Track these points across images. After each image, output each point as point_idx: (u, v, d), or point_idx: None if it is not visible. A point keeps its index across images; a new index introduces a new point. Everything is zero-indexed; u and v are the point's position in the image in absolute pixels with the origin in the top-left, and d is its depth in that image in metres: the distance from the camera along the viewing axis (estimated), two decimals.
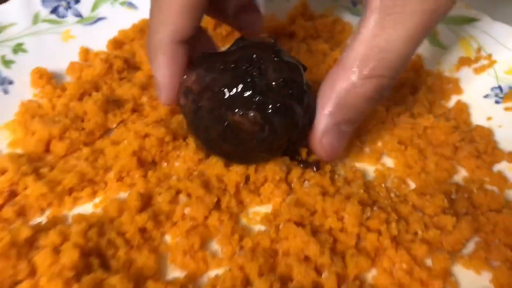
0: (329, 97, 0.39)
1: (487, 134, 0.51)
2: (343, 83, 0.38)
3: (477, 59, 0.57)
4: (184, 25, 0.41)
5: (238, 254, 0.40)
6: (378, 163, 0.49)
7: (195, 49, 0.43)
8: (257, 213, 0.44)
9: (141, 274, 0.38)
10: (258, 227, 0.43)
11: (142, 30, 0.60)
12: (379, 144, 0.50)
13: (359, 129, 0.50)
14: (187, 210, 0.42)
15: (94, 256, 0.38)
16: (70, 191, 0.44)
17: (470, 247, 0.43)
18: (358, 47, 0.37)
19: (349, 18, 0.64)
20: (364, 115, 0.41)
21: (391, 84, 0.39)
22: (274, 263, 0.40)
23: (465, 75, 0.57)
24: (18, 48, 0.56)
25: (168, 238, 0.42)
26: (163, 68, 0.42)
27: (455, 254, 0.43)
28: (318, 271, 0.39)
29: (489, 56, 0.57)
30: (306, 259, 0.40)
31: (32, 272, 0.37)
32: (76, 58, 0.58)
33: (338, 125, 0.40)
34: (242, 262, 0.38)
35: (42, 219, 0.43)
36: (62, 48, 0.58)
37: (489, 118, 0.54)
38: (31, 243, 0.39)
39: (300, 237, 0.40)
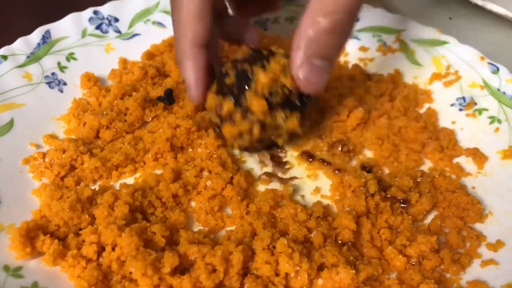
0: (298, 38, 0.48)
1: (450, 134, 0.63)
2: (307, 24, 0.47)
3: (446, 75, 0.70)
4: (199, 31, 0.51)
5: (246, 216, 0.52)
6: (360, 154, 0.62)
7: (210, 55, 0.55)
8: (260, 190, 0.56)
9: (174, 226, 0.50)
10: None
11: (171, 44, 0.72)
12: (361, 139, 0.62)
13: (345, 127, 0.62)
14: (208, 183, 0.54)
15: (138, 213, 0.50)
16: (117, 167, 0.56)
17: (430, 218, 0.55)
18: None
19: None
20: (333, 50, 0.49)
21: (348, 20, 0.47)
22: (275, 222, 0.51)
23: (436, 87, 0.69)
24: (70, 57, 0.68)
25: (193, 203, 0.54)
26: (189, 71, 0.53)
27: (417, 223, 0.54)
28: (309, 231, 0.51)
29: (456, 72, 0.69)
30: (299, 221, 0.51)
31: (92, 222, 0.49)
32: (116, 66, 0.70)
33: (310, 59, 0.48)
34: (250, 220, 0.50)
35: (95, 187, 0.55)
36: (104, 58, 0.70)
37: (453, 122, 0.66)
38: (90, 201, 0.51)
39: (292, 207, 0.52)
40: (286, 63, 0.52)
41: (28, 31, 0.67)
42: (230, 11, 0.66)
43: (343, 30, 0.48)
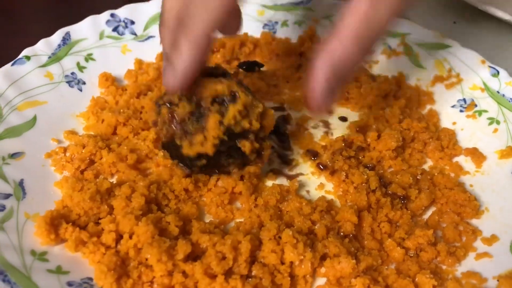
0: (325, 63, 0.44)
1: (450, 134, 0.66)
2: (338, 51, 0.43)
3: (448, 77, 0.72)
4: (223, 17, 0.43)
5: (254, 209, 0.55)
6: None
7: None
8: (268, 185, 0.59)
9: (187, 216, 0.53)
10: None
11: None
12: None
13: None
14: (220, 183, 0.57)
15: (153, 204, 0.54)
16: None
17: (428, 213, 0.58)
18: (351, 19, 0.42)
19: None
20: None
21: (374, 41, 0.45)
22: (281, 215, 0.55)
23: (438, 89, 0.72)
24: (89, 57, 0.72)
25: (204, 199, 0.57)
26: (191, 59, 0.44)
27: (416, 217, 0.57)
28: (313, 223, 0.54)
29: (458, 75, 0.72)
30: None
31: (111, 212, 0.53)
32: (132, 66, 0.73)
33: (333, 87, 0.45)
34: (258, 212, 0.54)
35: (112, 180, 0.58)
36: (121, 58, 0.73)
37: (454, 123, 0.68)
38: (109, 192, 0.54)
39: (297, 201, 0.55)
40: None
41: (49, 34, 0.71)
42: None
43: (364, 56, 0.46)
